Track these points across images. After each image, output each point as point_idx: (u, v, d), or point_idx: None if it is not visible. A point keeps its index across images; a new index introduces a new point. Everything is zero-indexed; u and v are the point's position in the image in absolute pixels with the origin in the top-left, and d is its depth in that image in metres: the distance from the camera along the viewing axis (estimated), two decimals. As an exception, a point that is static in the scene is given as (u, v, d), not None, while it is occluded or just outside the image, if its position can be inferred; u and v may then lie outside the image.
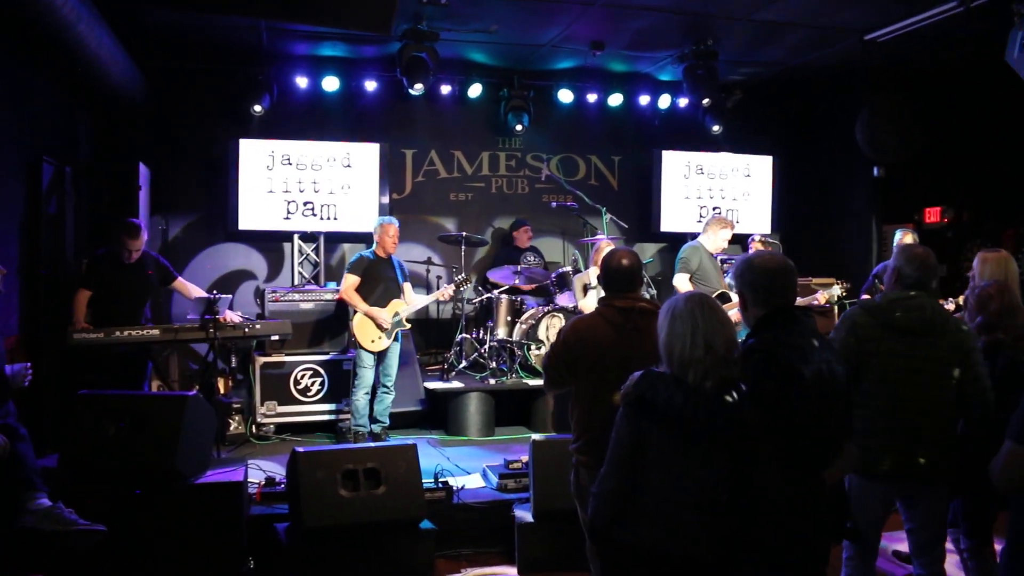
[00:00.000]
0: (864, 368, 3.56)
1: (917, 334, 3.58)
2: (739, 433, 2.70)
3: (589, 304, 7.17)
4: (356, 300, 7.08)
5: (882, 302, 3.66)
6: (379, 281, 7.19)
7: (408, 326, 7.35)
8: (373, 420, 7.24)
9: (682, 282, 6.98)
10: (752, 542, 2.82)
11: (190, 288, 7.05)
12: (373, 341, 7.08)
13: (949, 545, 3.90)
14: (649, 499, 2.78)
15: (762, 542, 2.82)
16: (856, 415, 3.55)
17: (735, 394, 2.72)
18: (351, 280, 7.13)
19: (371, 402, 7.24)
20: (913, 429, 3.56)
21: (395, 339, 7.22)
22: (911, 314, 3.59)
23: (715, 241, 7.25)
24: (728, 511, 2.78)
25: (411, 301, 7.32)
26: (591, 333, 3.69)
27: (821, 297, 7.69)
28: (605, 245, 7.19)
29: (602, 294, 3.93)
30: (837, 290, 7.82)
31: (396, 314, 7.15)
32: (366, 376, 7.12)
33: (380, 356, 7.17)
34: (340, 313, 8.14)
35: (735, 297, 6.78)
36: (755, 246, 7.44)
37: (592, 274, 7.34)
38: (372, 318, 7.04)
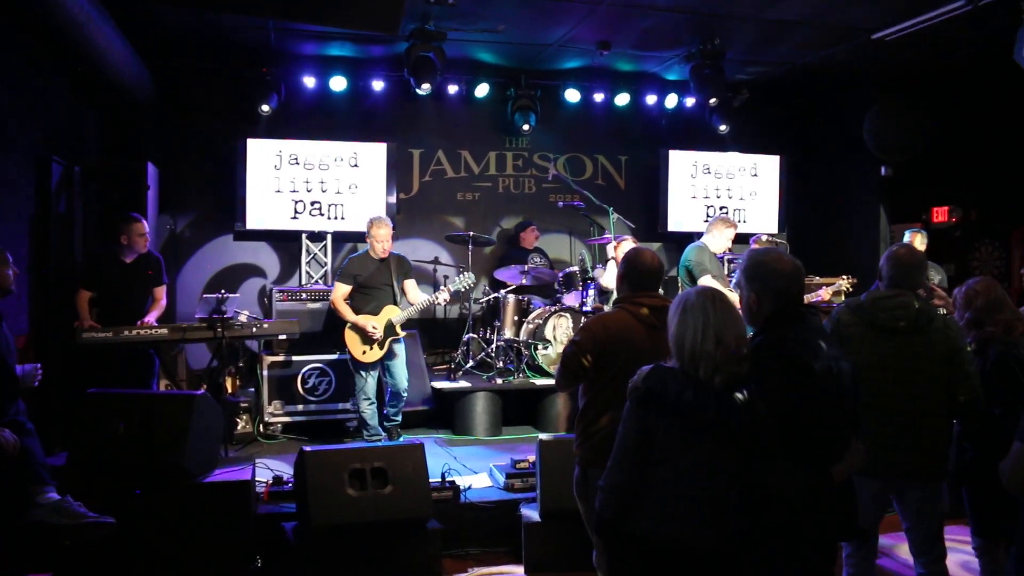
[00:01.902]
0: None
1: (902, 332, 3.59)
2: (749, 430, 2.71)
3: None
4: (344, 311, 6.84)
5: (866, 301, 3.69)
6: (370, 287, 6.93)
7: (402, 334, 7.03)
8: (388, 420, 7.16)
9: (710, 283, 6.72)
10: (761, 537, 2.83)
11: (160, 303, 6.94)
12: (364, 352, 6.87)
13: (962, 544, 3.90)
14: (656, 491, 2.80)
15: (771, 537, 2.83)
16: None
17: (745, 391, 2.73)
18: (341, 290, 6.88)
19: (379, 408, 7.15)
20: (897, 426, 3.57)
21: (389, 348, 6.92)
22: (895, 312, 3.61)
23: (720, 241, 7.17)
24: (737, 506, 2.79)
25: (413, 300, 7.03)
26: (626, 332, 3.65)
27: (824, 294, 7.67)
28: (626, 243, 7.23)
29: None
30: (843, 285, 7.81)
31: (388, 322, 6.89)
32: (365, 386, 6.95)
33: (383, 365, 6.99)
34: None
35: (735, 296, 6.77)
36: (757, 247, 7.37)
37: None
38: (361, 329, 6.82)
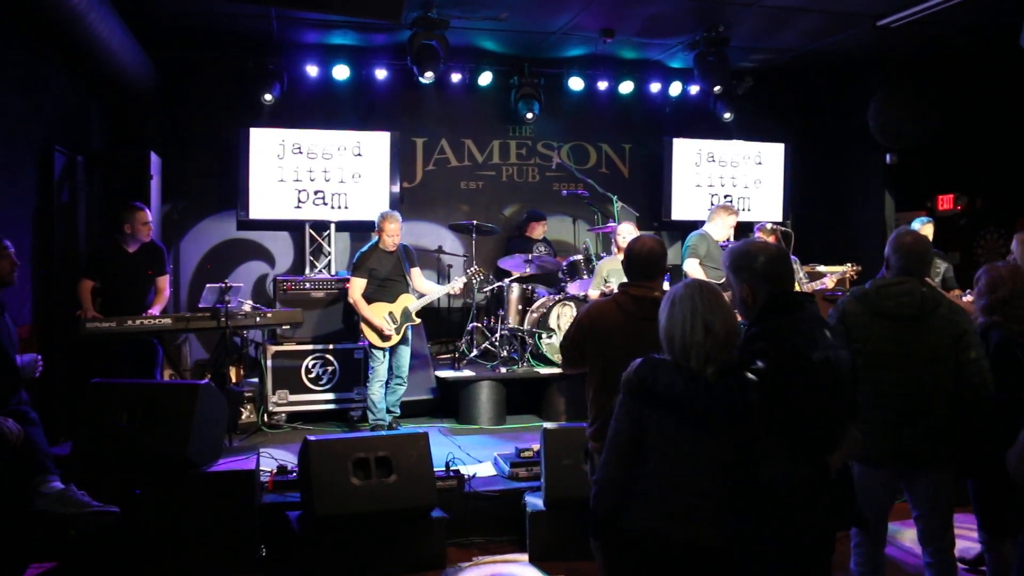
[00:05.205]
0: (855, 354, 3.53)
1: (907, 319, 3.57)
2: (740, 420, 2.68)
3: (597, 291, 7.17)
4: (362, 309, 6.97)
5: (870, 289, 3.66)
6: (385, 279, 7.06)
7: (418, 321, 7.24)
8: (387, 411, 7.19)
9: (692, 267, 6.94)
10: (757, 529, 2.82)
11: (164, 293, 6.96)
12: (382, 338, 7.02)
13: (967, 531, 3.88)
14: (650, 485, 2.76)
15: (767, 529, 2.81)
16: None
17: (737, 380, 2.70)
18: (358, 284, 7.00)
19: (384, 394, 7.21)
20: (905, 414, 3.55)
21: (403, 335, 7.12)
22: (900, 299, 3.58)
23: (721, 229, 7.20)
24: (732, 498, 2.77)
25: (421, 288, 7.21)
26: (602, 319, 3.71)
27: (829, 282, 7.64)
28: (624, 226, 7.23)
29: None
30: (847, 273, 7.78)
31: (405, 309, 7.06)
32: (379, 370, 7.06)
33: (392, 349, 7.11)
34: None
35: None
36: (761, 235, 7.38)
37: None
38: (376, 330, 6.94)
